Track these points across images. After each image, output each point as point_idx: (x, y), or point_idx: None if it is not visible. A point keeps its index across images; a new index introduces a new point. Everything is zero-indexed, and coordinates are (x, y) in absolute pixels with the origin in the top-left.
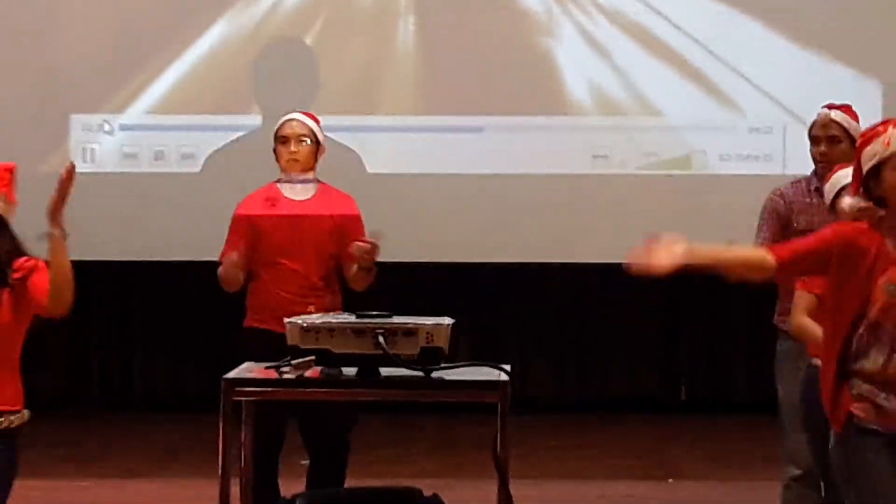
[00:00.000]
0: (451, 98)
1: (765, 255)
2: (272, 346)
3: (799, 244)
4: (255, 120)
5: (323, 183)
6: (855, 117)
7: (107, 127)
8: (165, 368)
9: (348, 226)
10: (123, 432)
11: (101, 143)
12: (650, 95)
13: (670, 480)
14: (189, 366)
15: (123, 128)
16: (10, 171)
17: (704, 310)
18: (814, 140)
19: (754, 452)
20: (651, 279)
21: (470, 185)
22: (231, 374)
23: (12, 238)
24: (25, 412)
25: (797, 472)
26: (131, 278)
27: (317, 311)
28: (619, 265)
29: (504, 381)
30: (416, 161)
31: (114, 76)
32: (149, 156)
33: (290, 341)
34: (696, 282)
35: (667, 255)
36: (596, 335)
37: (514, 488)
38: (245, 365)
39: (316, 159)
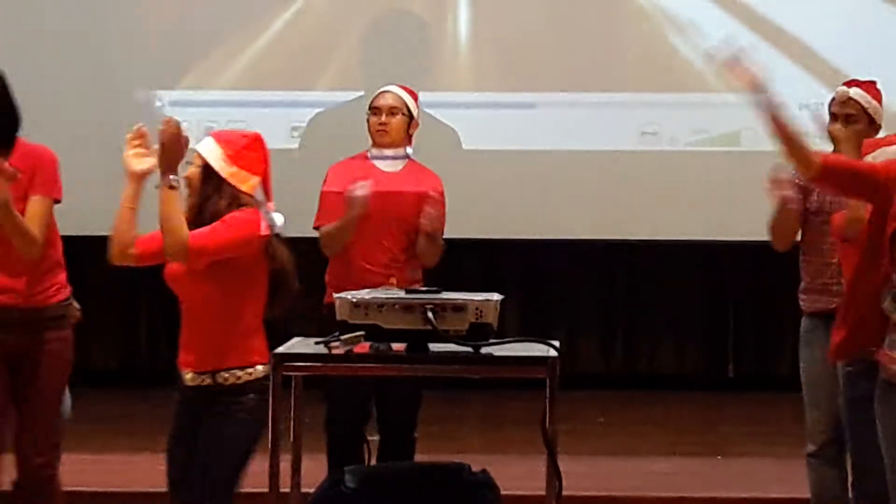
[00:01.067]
0: (503, 73)
1: (816, 155)
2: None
3: (854, 163)
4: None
5: (412, 160)
6: (877, 95)
7: (158, 104)
8: (171, 340)
9: (431, 202)
10: (129, 406)
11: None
12: (699, 71)
13: (719, 457)
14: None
15: (174, 104)
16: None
17: (752, 287)
18: (832, 118)
19: (803, 430)
20: (697, 260)
21: (519, 161)
22: (280, 349)
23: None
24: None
25: (813, 447)
26: None
27: (399, 284)
28: (667, 242)
29: (553, 357)
30: (470, 137)
31: (167, 53)
32: (199, 132)
33: (339, 316)
34: (743, 261)
35: (755, 77)
36: (643, 312)
37: (563, 464)
38: (294, 340)
39: (409, 133)
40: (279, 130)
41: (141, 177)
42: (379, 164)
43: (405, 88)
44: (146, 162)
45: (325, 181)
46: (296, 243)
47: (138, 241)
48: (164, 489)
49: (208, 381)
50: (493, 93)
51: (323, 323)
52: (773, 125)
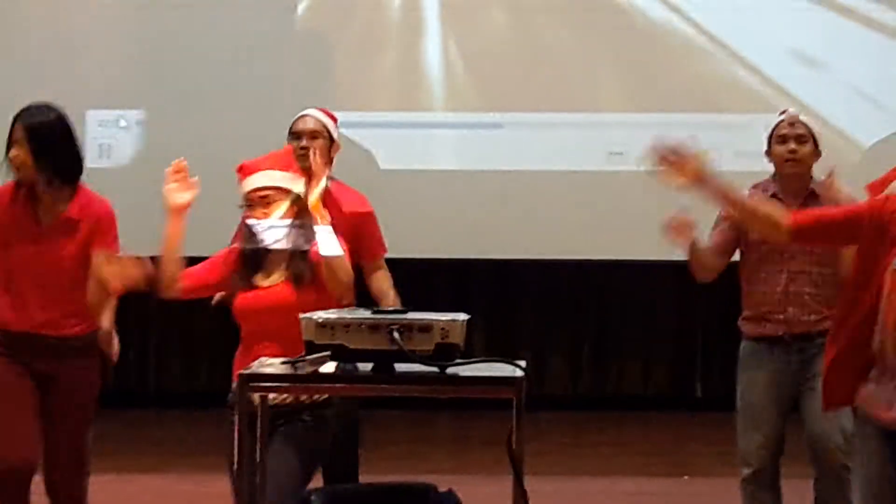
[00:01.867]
0: (471, 93)
1: (782, 216)
2: None
3: (824, 213)
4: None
5: (336, 181)
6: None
7: (122, 123)
8: (180, 364)
9: (361, 223)
10: (139, 428)
11: (116, 139)
12: (663, 92)
13: (686, 477)
14: (203, 361)
15: (139, 124)
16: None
17: (719, 308)
18: (781, 139)
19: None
20: (665, 277)
21: (485, 182)
22: (246, 371)
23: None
24: None
25: (748, 471)
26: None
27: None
28: (634, 262)
29: (520, 377)
30: (429, 157)
31: (130, 73)
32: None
33: (305, 336)
34: (710, 282)
35: (694, 167)
36: (611, 333)
37: (529, 484)
38: (260, 360)
39: (331, 156)
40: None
41: (182, 210)
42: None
43: (324, 111)
44: (187, 195)
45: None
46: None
47: (185, 275)
48: None
49: (290, 399)
50: (461, 113)
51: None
52: (728, 204)
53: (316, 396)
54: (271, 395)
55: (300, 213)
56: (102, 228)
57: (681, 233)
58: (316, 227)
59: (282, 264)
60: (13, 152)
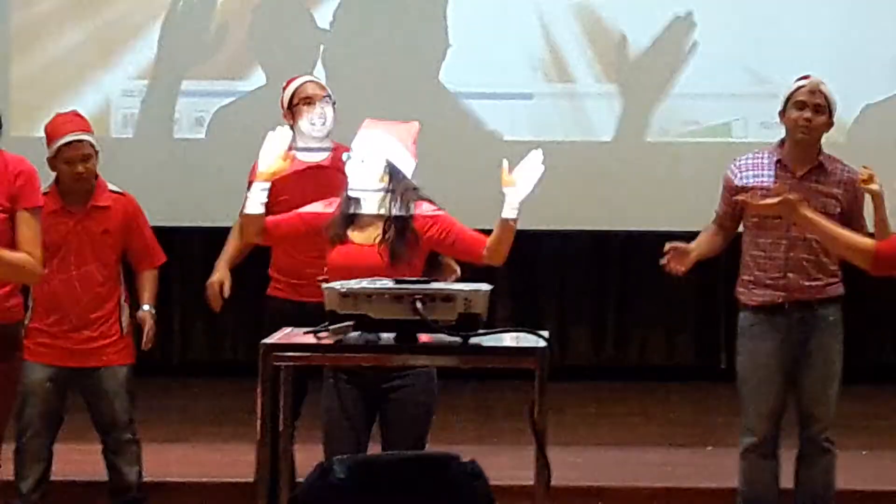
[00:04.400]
0: (498, 63)
1: (868, 245)
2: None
3: None
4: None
5: (339, 145)
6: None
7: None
8: (204, 334)
9: None
10: (164, 397)
11: (140, 109)
12: (690, 61)
13: (709, 448)
14: (227, 331)
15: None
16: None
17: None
18: (798, 105)
19: (791, 421)
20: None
21: (511, 151)
22: (270, 340)
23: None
24: None
25: (753, 440)
26: (173, 244)
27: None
28: (658, 233)
29: (542, 348)
30: (457, 125)
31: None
32: (189, 121)
33: (328, 306)
34: (735, 252)
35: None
36: (635, 303)
37: (552, 455)
38: (284, 330)
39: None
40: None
41: (273, 176)
42: (302, 156)
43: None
44: (282, 164)
45: (251, 172)
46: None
47: (269, 222)
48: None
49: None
50: (489, 82)
51: (266, 314)
52: (816, 231)
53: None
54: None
55: (392, 181)
56: (28, 186)
57: (679, 261)
58: (505, 189)
59: (376, 222)
60: None
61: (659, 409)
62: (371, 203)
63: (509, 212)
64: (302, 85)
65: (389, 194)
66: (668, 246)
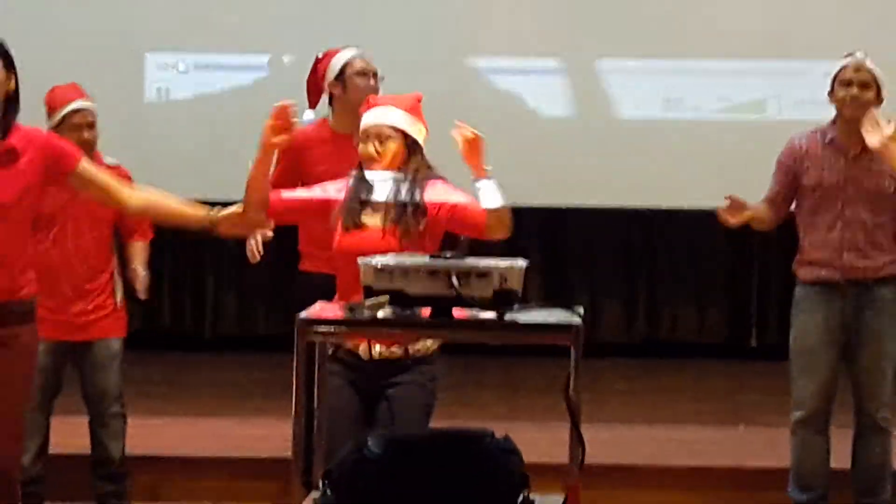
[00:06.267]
0: (527, 38)
1: None
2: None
3: None
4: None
5: None
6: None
7: (181, 66)
8: (235, 309)
9: None
10: (195, 372)
11: (174, 83)
12: (725, 37)
13: (741, 426)
14: (259, 306)
15: (198, 67)
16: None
17: (775, 256)
18: (844, 83)
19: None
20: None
21: (543, 128)
22: (305, 314)
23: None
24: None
25: (801, 414)
26: None
27: None
28: (689, 210)
29: (578, 324)
30: (491, 102)
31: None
32: (221, 95)
33: (363, 281)
34: (766, 231)
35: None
36: (666, 280)
37: (585, 431)
38: (318, 304)
39: None
40: None
41: (273, 149)
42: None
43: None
44: (281, 137)
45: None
46: None
47: (279, 201)
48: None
49: (399, 353)
50: (518, 58)
51: (299, 290)
52: None
53: (421, 350)
54: (379, 349)
55: (411, 158)
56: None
57: (733, 213)
58: (478, 183)
59: (388, 206)
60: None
61: (690, 387)
62: (384, 188)
63: (491, 202)
64: (354, 57)
65: (403, 179)
66: (727, 196)
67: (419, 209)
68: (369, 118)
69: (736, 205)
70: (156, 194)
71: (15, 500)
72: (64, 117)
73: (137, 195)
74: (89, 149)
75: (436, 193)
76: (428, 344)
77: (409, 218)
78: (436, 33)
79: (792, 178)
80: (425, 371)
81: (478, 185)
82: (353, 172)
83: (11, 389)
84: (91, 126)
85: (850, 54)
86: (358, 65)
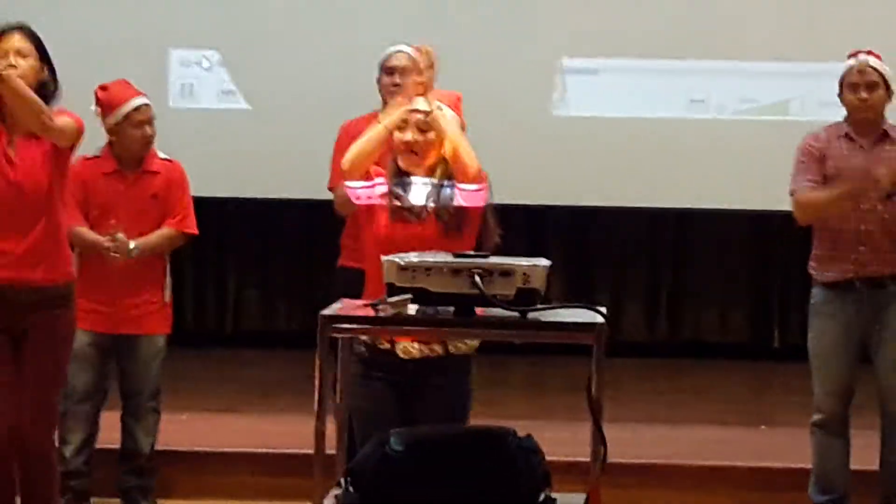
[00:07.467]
0: (551, 38)
1: None
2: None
3: None
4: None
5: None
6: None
7: (205, 63)
8: (257, 306)
9: None
10: (217, 368)
11: (199, 79)
12: (748, 39)
13: (763, 427)
14: (280, 303)
15: (222, 64)
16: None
17: (797, 257)
18: (852, 87)
19: (874, 406)
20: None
21: (565, 128)
22: (327, 311)
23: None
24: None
25: (820, 416)
26: (227, 215)
27: None
28: (712, 210)
29: (600, 323)
30: (511, 101)
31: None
32: (245, 92)
33: (386, 279)
34: (788, 231)
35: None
36: (689, 281)
37: (607, 430)
38: (341, 302)
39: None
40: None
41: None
42: None
43: (414, 47)
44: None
45: (337, 140)
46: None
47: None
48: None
49: (440, 351)
50: (541, 58)
51: (340, 284)
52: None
53: (462, 349)
54: (419, 347)
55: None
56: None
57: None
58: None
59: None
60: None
61: (712, 387)
62: (419, 190)
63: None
64: (389, 55)
65: (442, 184)
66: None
67: (461, 213)
68: (410, 107)
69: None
70: None
71: (53, 483)
72: (127, 115)
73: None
74: (150, 144)
75: (468, 196)
76: (469, 343)
77: (452, 221)
78: (476, 30)
79: (822, 164)
80: (464, 372)
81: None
82: (391, 165)
83: (46, 373)
84: (151, 122)
85: (853, 54)
86: (389, 62)
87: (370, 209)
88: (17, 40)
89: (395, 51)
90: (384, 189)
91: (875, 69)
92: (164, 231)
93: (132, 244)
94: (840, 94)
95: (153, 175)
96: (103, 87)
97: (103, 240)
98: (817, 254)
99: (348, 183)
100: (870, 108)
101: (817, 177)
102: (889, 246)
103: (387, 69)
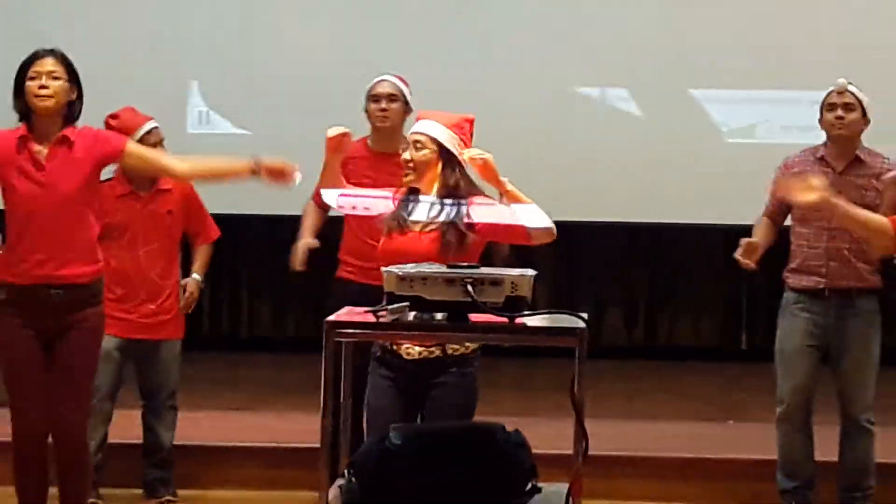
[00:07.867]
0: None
1: (884, 222)
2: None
3: None
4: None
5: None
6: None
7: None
8: (270, 311)
9: None
10: (232, 371)
11: (214, 107)
12: (715, 66)
13: (731, 422)
14: (292, 308)
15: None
16: (471, 122)
17: (762, 267)
18: (830, 107)
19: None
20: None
21: (550, 143)
22: (332, 317)
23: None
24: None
25: (781, 409)
26: (240, 231)
27: None
28: (684, 225)
29: (582, 328)
30: (502, 119)
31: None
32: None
33: (386, 288)
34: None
35: (814, 188)
36: (663, 290)
37: (589, 427)
38: (345, 309)
39: (403, 119)
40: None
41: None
42: (376, 146)
43: (398, 77)
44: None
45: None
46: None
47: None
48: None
49: (437, 352)
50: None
51: (337, 295)
52: (843, 220)
53: (459, 350)
54: (419, 349)
55: (447, 170)
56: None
57: (749, 255)
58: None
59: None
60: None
61: (685, 386)
62: (428, 208)
63: (535, 222)
64: (374, 83)
65: (447, 202)
66: (742, 241)
67: (464, 229)
68: (413, 129)
69: (750, 247)
70: (200, 158)
71: (87, 475)
72: (140, 139)
73: (183, 162)
74: None
75: (479, 213)
76: (467, 344)
77: (453, 237)
78: (517, 60)
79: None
80: (466, 371)
81: (515, 208)
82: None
83: (81, 367)
84: (162, 143)
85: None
86: (374, 90)
87: (364, 217)
88: (50, 63)
89: (380, 79)
90: (380, 200)
91: (852, 92)
92: (202, 251)
93: (196, 276)
94: (820, 118)
95: (167, 192)
96: (114, 116)
97: (183, 307)
98: (792, 267)
99: (326, 199)
100: (844, 126)
101: (774, 206)
102: (857, 262)
103: (373, 97)
